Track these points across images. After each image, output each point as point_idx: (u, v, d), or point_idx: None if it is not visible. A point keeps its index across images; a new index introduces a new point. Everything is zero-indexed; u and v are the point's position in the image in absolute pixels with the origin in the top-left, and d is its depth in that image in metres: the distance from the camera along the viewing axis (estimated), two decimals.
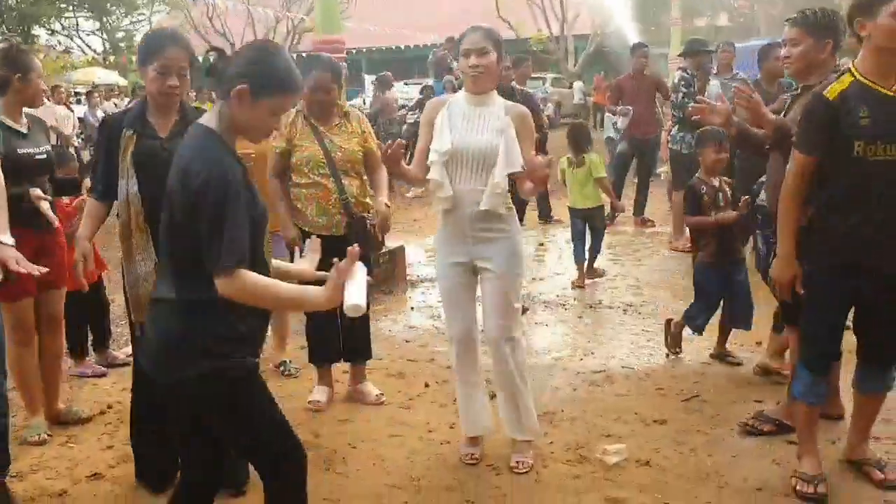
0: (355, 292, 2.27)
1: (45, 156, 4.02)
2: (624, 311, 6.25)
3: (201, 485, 2.66)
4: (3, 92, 3.91)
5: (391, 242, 7.46)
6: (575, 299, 6.58)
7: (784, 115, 3.78)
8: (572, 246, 7.06)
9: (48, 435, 4.10)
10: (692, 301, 5.07)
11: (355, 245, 2.32)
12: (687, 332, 5.11)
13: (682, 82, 8.23)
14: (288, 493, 2.57)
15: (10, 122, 3.92)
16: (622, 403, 4.47)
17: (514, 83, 7.36)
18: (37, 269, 3.20)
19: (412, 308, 6.56)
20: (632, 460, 3.79)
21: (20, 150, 3.88)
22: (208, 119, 2.42)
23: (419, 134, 3.81)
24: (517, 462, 3.73)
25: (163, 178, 3.26)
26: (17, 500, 3.19)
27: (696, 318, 5.01)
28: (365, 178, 4.39)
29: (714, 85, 8.37)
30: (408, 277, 7.24)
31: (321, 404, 4.43)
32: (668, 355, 5.16)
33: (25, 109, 4.07)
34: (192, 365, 2.37)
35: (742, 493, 3.48)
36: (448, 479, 3.67)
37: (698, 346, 5.29)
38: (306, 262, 2.83)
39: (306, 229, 4.17)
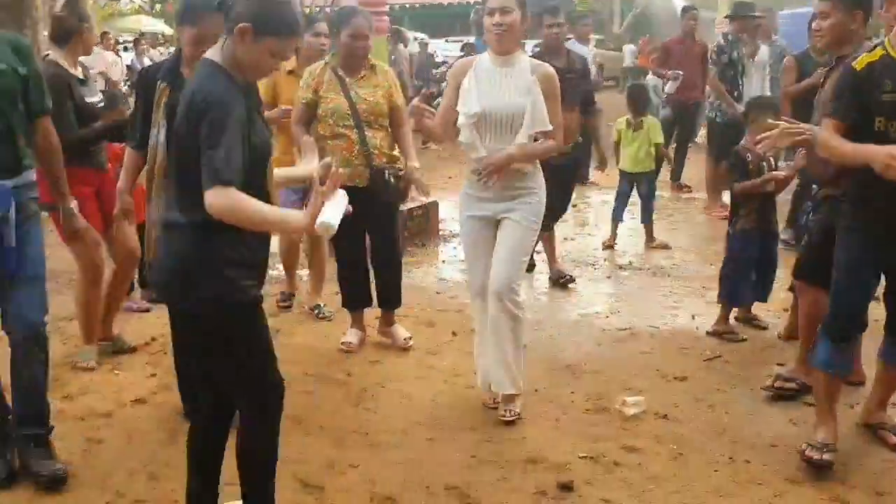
0: (329, 212, 2.38)
1: (102, 103, 4.26)
2: (653, 273, 6.32)
3: (215, 409, 2.78)
4: (69, 41, 4.11)
5: (425, 196, 7.59)
6: (605, 260, 6.67)
7: (820, 88, 3.82)
8: (613, 205, 7.14)
9: (97, 362, 4.31)
10: (724, 273, 4.99)
11: (338, 169, 2.45)
12: (711, 294, 5.17)
13: (717, 50, 8.14)
14: (266, 424, 2.68)
15: (73, 71, 4.13)
16: (645, 360, 4.58)
17: (570, 41, 7.31)
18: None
19: (443, 261, 6.71)
20: (650, 413, 3.91)
21: (86, 99, 4.14)
22: (213, 53, 2.52)
23: (444, 93, 3.88)
24: (504, 411, 3.80)
25: None
26: (55, 452, 3.30)
27: (734, 291, 4.94)
28: (390, 130, 4.45)
29: (763, 51, 8.26)
30: (440, 232, 7.38)
31: (353, 346, 4.60)
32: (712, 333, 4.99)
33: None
34: (198, 289, 2.49)
35: (755, 448, 3.58)
36: (470, 421, 3.83)
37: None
38: (305, 164, 2.99)
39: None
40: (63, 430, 3.54)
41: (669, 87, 9.11)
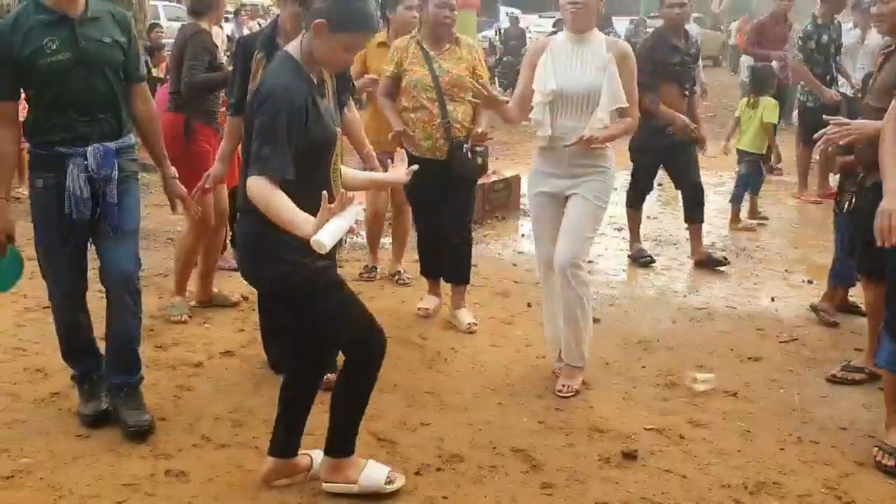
0: (329, 230, 2.38)
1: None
2: (736, 254, 6.26)
3: (302, 367, 2.99)
4: (205, 14, 4.62)
5: (507, 171, 7.67)
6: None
7: (877, 74, 3.74)
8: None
9: (189, 316, 4.57)
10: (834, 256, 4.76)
11: (351, 194, 2.46)
12: (794, 277, 5.12)
13: (804, 34, 7.88)
14: (361, 370, 2.89)
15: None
16: (719, 339, 4.58)
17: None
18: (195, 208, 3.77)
19: (522, 235, 6.76)
20: (720, 390, 3.93)
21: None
22: (294, 46, 2.66)
23: (520, 76, 3.90)
24: (562, 386, 3.84)
25: None
26: (143, 401, 3.42)
27: (845, 273, 4.66)
28: (472, 104, 4.43)
29: (873, 36, 7.85)
30: (521, 206, 7.42)
31: (429, 311, 4.74)
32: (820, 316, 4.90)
33: None
34: (262, 270, 2.74)
35: (826, 430, 3.57)
36: (539, 388, 3.92)
37: (808, 293, 5.33)
38: (393, 172, 3.13)
39: (415, 153, 4.28)
40: (156, 377, 3.79)
41: (776, 66, 8.83)
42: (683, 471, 3.23)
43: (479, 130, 4.37)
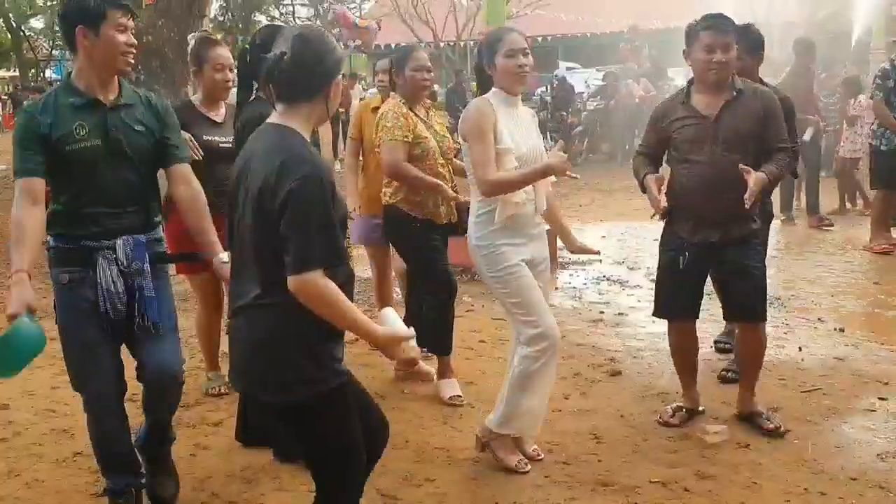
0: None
1: (230, 145, 4.09)
2: (770, 303, 6.16)
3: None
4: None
5: (545, 226, 7.69)
6: None
7: None
8: None
9: (226, 388, 4.46)
10: None
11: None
12: (825, 325, 5.02)
13: (881, 74, 7.64)
14: (344, 497, 2.59)
15: (203, 111, 4.32)
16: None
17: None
18: None
19: (556, 288, 6.79)
20: (732, 441, 3.89)
21: (205, 137, 4.20)
22: (289, 122, 2.38)
23: (479, 140, 3.48)
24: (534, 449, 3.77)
25: None
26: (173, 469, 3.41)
27: None
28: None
29: None
30: (559, 259, 7.45)
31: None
32: None
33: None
34: (287, 371, 2.36)
35: (835, 482, 3.51)
36: (550, 443, 3.92)
37: (834, 341, 5.24)
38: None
39: (432, 220, 4.32)
40: (175, 435, 3.93)
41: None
42: None
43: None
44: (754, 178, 3.61)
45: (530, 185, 3.52)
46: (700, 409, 4.18)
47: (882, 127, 7.57)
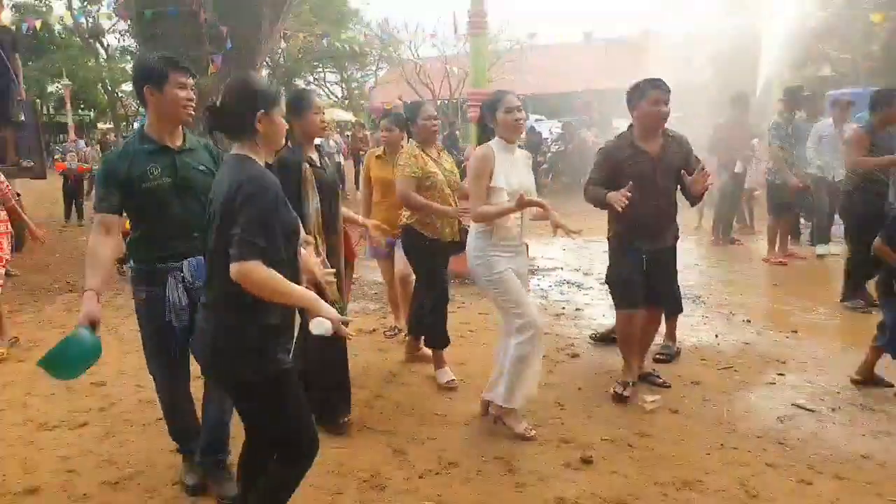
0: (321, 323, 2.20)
1: None
2: (693, 300, 6.18)
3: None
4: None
5: (525, 244, 7.67)
6: None
7: None
8: None
9: None
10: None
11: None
12: (736, 317, 5.02)
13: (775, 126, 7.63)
14: (294, 472, 2.35)
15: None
16: (670, 368, 4.51)
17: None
18: None
19: (528, 290, 6.71)
20: (665, 408, 3.89)
21: None
22: (241, 149, 2.29)
23: (476, 179, 3.51)
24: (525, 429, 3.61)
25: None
26: (233, 474, 2.96)
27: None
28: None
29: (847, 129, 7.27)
30: (529, 267, 7.41)
31: (453, 382, 4.38)
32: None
33: None
34: (234, 366, 2.20)
35: (745, 438, 3.51)
36: (524, 410, 3.88)
37: (743, 330, 5.24)
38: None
39: (438, 238, 4.25)
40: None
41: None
42: (627, 472, 3.21)
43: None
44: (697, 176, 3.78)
45: (518, 214, 3.53)
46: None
47: (776, 166, 7.57)
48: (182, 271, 2.88)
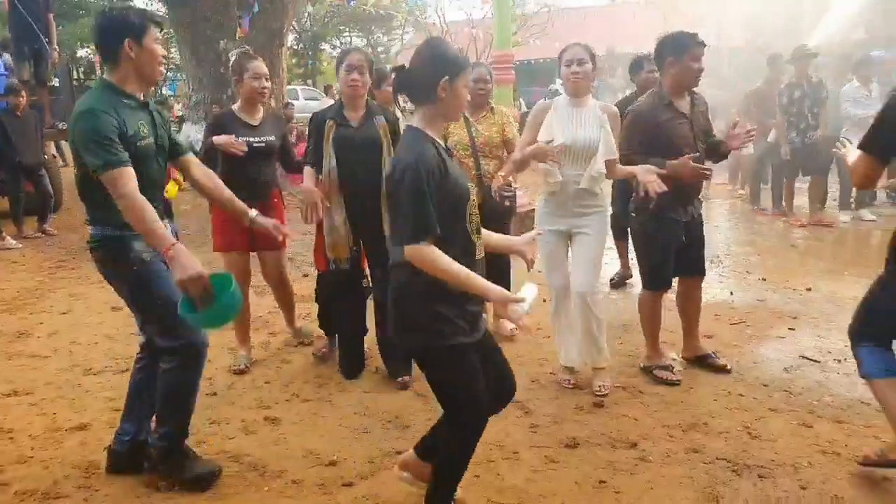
0: (529, 300, 2.18)
1: (263, 144, 3.92)
2: (710, 260, 6.22)
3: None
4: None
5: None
6: None
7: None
8: None
9: (247, 367, 4.03)
10: None
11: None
12: (751, 276, 5.08)
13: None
14: (456, 440, 2.39)
15: (241, 116, 3.95)
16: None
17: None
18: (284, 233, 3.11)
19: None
20: (677, 360, 4.02)
21: (241, 138, 3.83)
22: (417, 119, 2.27)
23: (525, 131, 3.63)
24: (599, 386, 3.63)
25: (354, 157, 3.58)
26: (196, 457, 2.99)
27: None
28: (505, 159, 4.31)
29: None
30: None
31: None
32: None
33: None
34: (414, 333, 2.24)
35: (751, 387, 3.63)
36: (540, 359, 4.10)
37: (758, 288, 5.32)
38: (522, 242, 2.51)
39: None
40: (262, 354, 4.10)
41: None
42: (636, 415, 3.36)
43: (501, 175, 3.89)
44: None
45: (570, 174, 3.50)
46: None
47: (777, 129, 7.57)
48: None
